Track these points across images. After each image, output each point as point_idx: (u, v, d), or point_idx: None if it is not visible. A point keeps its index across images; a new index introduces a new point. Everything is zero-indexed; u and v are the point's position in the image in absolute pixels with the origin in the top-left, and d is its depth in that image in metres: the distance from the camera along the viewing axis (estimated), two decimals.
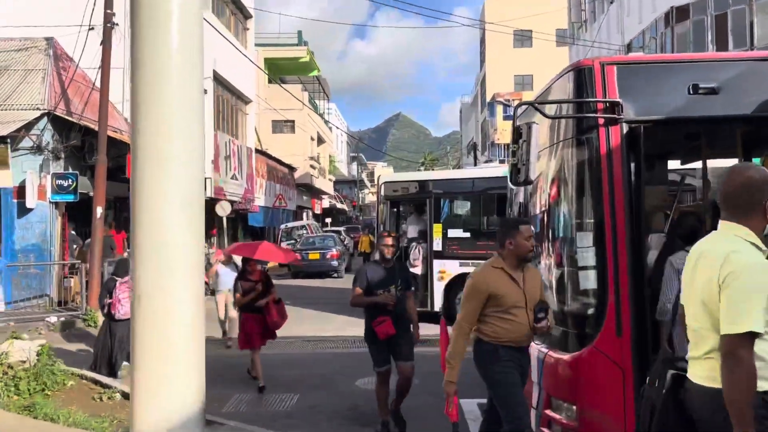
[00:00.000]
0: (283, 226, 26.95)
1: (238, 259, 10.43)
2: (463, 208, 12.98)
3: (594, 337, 4.34)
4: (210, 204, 22.04)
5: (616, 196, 4.25)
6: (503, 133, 42.62)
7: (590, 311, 4.48)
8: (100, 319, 12.71)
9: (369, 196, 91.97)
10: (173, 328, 2.34)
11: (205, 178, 19.66)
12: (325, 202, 48.27)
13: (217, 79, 20.32)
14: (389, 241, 6.09)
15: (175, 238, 2.34)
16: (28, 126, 13.28)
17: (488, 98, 46.52)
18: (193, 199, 2.41)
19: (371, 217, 55.84)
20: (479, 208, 12.50)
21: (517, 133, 4.34)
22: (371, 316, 6.02)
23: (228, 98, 21.91)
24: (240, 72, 22.50)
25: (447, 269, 12.08)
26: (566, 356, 4.50)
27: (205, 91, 19.55)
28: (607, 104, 4.29)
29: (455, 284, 12.09)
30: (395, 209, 13.62)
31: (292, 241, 24.79)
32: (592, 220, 4.41)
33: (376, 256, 6.70)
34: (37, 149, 13.83)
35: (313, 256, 21.57)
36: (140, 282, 2.35)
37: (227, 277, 10.62)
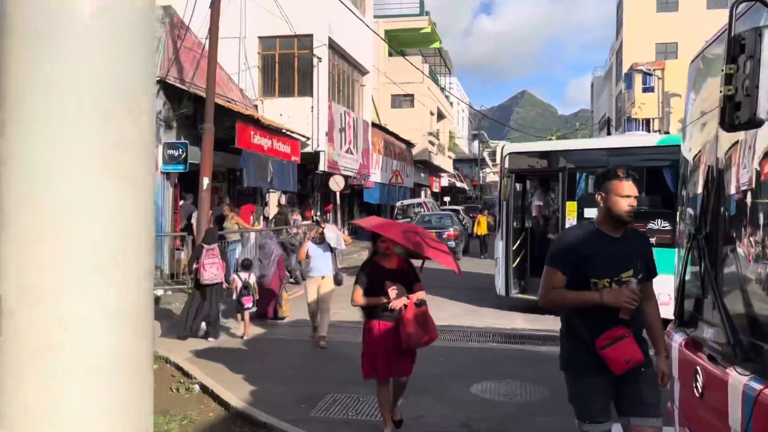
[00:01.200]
0: (398, 204, 25.89)
1: (332, 237, 8.84)
2: None
3: None
4: (324, 178, 21.37)
5: None
6: (642, 107, 38.86)
7: None
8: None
9: (490, 176, 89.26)
10: (68, 380, 1.08)
11: (319, 151, 18.98)
12: (444, 181, 46.84)
13: (333, 47, 19.43)
14: (628, 187, 3.27)
15: (73, 188, 1.07)
16: None
17: (625, 69, 42.62)
18: (113, 109, 1.11)
19: (492, 197, 53.70)
20: None
21: (736, 45, 2.71)
22: (591, 329, 3.30)
23: (344, 68, 21.02)
24: (357, 41, 21.52)
25: None
26: None
27: (320, 59, 18.76)
28: None
29: None
30: (521, 184, 11.96)
31: (408, 219, 23.65)
32: None
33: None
34: None
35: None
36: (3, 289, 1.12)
37: (320, 260, 8.74)
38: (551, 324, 10.50)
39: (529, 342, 9.36)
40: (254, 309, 9.31)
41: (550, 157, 11.18)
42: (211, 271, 8.85)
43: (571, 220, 10.44)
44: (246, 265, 9.62)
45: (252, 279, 9.35)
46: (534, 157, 11.44)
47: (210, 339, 8.83)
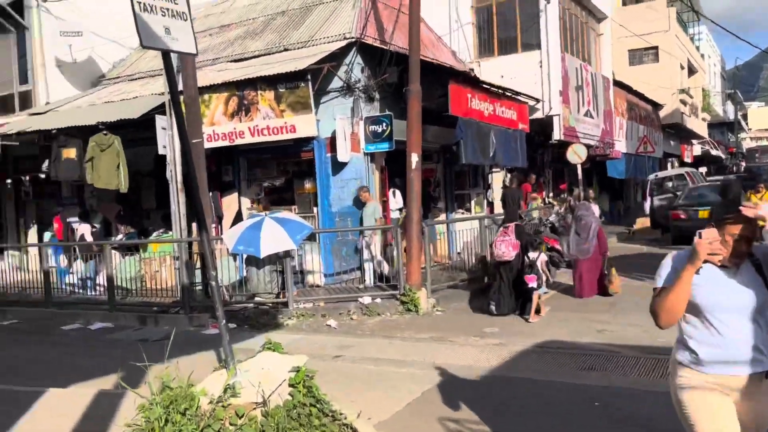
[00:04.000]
0: (651, 176, 21.01)
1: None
2: None
3: None
4: (557, 150, 17.70)
5: None
6: None
7: None
8: (422, 300, 9.70)
9: (746, 142, 75.70)
10: None
11: (552, 116, 15.36)
12: (696, 149, 39.39)
13: None
14: None
15: None
16: (333, 58, 10.72)
17: None
18: None
19: (759, 165, 44.26)
20: None
21: None
22: None
23: (577, 13, 17.05)
24: None
25: None
26: None
27: (548, 1, 15.14)
28: None
29: None
30: None
31: (668, 195, 18.84)
32: None
33: None
34: (347, 89, 11.29)
35: (704, 214, 15.49)
36: None
37: (739, 330, 2.69)
38: None
39: None
40: (540, 289, 8.89)
41: None
42: (501, 248, 9.08)
43: None
44: (533, 244, 9.24)
45: (542, 258, 9.04)
46: None
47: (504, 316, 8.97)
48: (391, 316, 9.47)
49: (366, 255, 11.19)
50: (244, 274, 10.66)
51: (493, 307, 9.13)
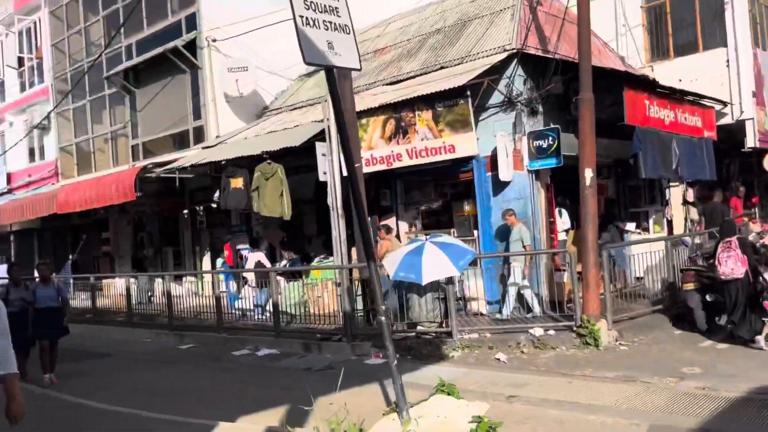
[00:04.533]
0: None
1: None
2: None
3: None
4: (750, 157, 15.55)
5: None
6: None
7: None
8: (602, 332, 8.66)
9: None
10: None
11: (744, 120, 13.49)
12: None
13: None
14: None
15: None
16: (493, 71, 10.12)
17: None
18: None
19: None
20: None
21: None
22: None
23: (767, 2, 14.96)
24: None
25: None
26: None
27: None
28: None
29: None
30: None
31: None
32: None
33: None
34: (508, 104, 10.61)
35: None
36: None
37: None
38: None
39: None
40: None
41: None
42: (728, 264, 8.18)
43: None
44: None
45: None
46: None
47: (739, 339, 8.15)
48: (567, 350, 8.53)
49: (525, 282, 10.19)
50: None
51: (742, 335, 8.16)
